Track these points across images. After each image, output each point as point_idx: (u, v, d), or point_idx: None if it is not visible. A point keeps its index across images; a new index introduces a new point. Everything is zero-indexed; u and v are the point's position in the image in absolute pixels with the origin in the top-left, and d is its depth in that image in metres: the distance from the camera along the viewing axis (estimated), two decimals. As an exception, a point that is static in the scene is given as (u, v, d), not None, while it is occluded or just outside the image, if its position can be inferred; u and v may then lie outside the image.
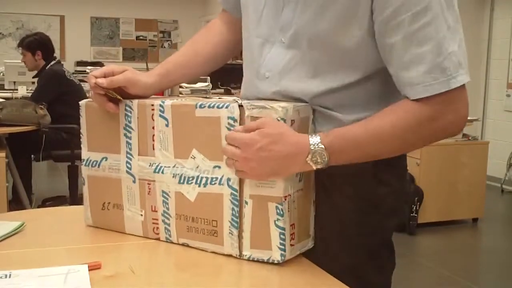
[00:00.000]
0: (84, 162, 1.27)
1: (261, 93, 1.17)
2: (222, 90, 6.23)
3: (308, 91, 1.11)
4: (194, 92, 5.14)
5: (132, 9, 10.66)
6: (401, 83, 1.03)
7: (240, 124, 1.04)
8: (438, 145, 4.45)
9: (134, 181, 1.19)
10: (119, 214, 1.23)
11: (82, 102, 1.27)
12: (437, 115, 1.01)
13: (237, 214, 1.06)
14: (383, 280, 1.24)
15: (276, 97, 1.14)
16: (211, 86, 5.41)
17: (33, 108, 3.87)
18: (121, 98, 1.19)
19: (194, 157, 1.10)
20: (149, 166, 1.16)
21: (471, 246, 4.36)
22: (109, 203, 1.25)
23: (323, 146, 1.00)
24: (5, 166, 3.57)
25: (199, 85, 5.21)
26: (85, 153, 1.27)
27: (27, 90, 5.83)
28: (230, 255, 1.08)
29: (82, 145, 1.27)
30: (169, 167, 1.14)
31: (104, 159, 1.23)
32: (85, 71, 7.51)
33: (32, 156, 4.44)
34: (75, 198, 4.42)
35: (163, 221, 1.16)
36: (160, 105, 1.13)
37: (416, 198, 4.29)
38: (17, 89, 6.02)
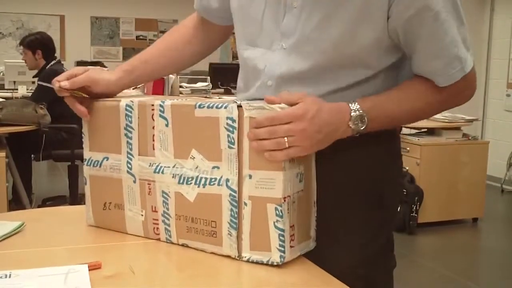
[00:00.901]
0: (86, 162, 1.27)
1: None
2: (222, 90, 6.23)
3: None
4: (194, 92, 5.13)
5: (132, 9, 10.66)
6: (426, 72, 1.12)
7: (239, 125, 1.03)
8: (438, 145, 4.46)
9: (134, 181, 1.19)
10: (120, 214, 1.23)
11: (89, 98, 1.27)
12: (457, 93, 1.13)
13: (236, 215, 1.06)
14: (387, 279, 1.25)
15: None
16: (211, 86, 5.41)
17: (33, 108, 3.86)
18: (87, 96, 1.24)
19: (194, 158, 1.10)
20: (149, 166, 1.16)
21: (471, 246, 4.37)
22: (110, 203, 1.25)
23: (362, 111, 1.06)
24: (5, 166, 3.57)
25: (199, 85, 5.22)
26: (86, 153, 1.27)
27: (27, 90, 5.83)
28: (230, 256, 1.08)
29: (83, 145, 1.28)
30: (169, 167, 1.14)
31: (106, 159, 1.23)
32: (85, 70, 7.50)
33: (32, 156, 4.44)
34: (75, 198, 4.43)
35: (163, 221, 1.16)
36: (160, 105, 1.13)
37: (416, 198, 4.29)
38: (17, 89, 6.02)
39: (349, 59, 1.10)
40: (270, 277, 1.01)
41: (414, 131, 4.72)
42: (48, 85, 1.23)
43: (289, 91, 1.09)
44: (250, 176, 1.04)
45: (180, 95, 4.85)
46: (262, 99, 1.06)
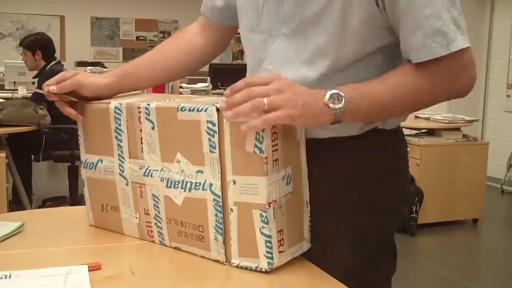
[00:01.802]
0: (83, 164, 1.27)
1: None
2: (222, 90, 6.23)
3: (308, 78, 1.11)
4: (194, 92, 5.14)
5: (132, 9, 10.66)
6: (408, 49, 1.07)
7: (219, 129, 1.00)
8: (438, 145, 4.46)
9: (127, 184, 1.19)
10: (117, 216, 1.23)
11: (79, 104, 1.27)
12: (449, 76, 1.06)
13: (221, 220, 1.04)
14: (383, 285, 1.23)
15: None
16: (211, 86, 5.41)
17: (33, 109, 3.86)
18: (76, 100, 1.24)
19: (179, 161, 1.08)
20: (139, 169, 1.15)
21: (471, 246, 4.36)
22: (107, 205, 1.24)
23: (338, 90, 1.02)
24: (5, 166, 3.57)
25: (199, 85, 5.22)
26: (83, 155, 1.27)
27: (27, 90, 5.83)
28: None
29: (80, 147, 1.28)
30: (157, 170, 1.12)
31: (100, 161, 1.23)
32: (85, 71, 7.50)
33: (32, 156, 4.43)
34: (75, 199, 4.42)
35: (155, 224, 1.16)
36: (146, 108, 1.11)
37: (416, 199, 4.29)
38: (17, 90, 6.02)
39: (347, 38, 1.09)
40: (269, 277, 1.01)
41: (414, 132, 4.72)
42: (39, 91, 1.24)
43: (286, 74, 1.06)
44: (234, 182, 1.01)
45: (180, 95, 4.85)
46: None
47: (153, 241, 1.18)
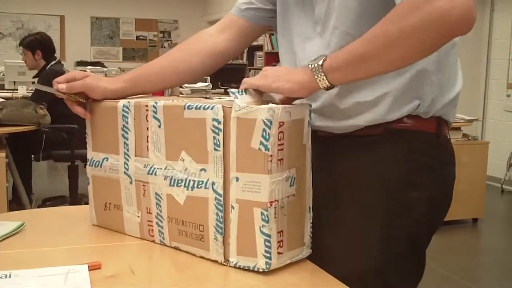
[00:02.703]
0: (89, 162, 1.28)
1: None
2: (222, 90, 6.23)
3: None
4: (194, 92, 5.13)
5: (132, 9, 10.66)
6: None
7: (225, 126, 1.02)
8: (438, 145, 4.45)
9: (131, 182, 1.19)
10: (119, 215, 1.23)
11: (87, 103, 1.28)
12: (425, 3, 0.93)
13: (221, 220, 1.04)
14: None
15: None
16: (211, 86, 5.41)
17: (33, 108, 3.86)
18: (84, 101, 1.26)
19: (183, 160, 1.09)
20: (144, 167, 1.16)
21: (471, 246, 4.36)
22: (110, 203, 1.25)
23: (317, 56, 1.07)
24: (5, 166, 3.56)
25: (199, 85, 5.21)
26: (89, 153, 1.28)
27: (27, 90, 5.83)
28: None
29: (87, 145, 1.28)
30: (161, 169, 1.13)
31: (105, 160, 1.24)
32: (85, 71, 7.48)
33: (32, 156, 4.44)
34: (75, 198, 4.42)
35: (156, 223, 1.16)
36: (153, 106, 1.12)
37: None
38: (17, 89, 6.02)
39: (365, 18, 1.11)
40: (269, 277, 1.01)
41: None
42: (46, 88, 1.24)
43: None
44: (237, 179, 1.01)
45: (180, 95, 4.85)
46: None
47: (154, 241, 1.18)
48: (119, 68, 8.14)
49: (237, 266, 1.04)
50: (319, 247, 1.12)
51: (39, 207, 4.42)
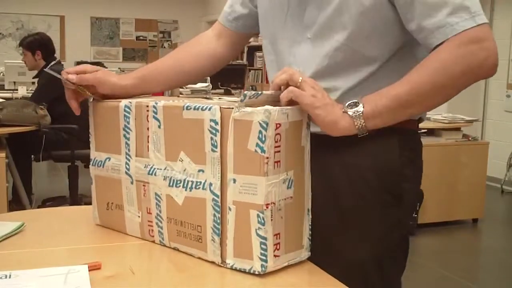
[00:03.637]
0: (92, 162, 1.28)
1: None
2: (222, 91, 6.23)
3: (337, 88, 1.17)
4: (194, 92, 5.14)
5: (132, 9, 10.67)
6: (427, 33, 1.07)
7: (221, 127, 1.01)
8: (438, 145, 4.46)
9: (131, 182, 1.19)
10: (121, 215, 1.23)
11: (90, 102, 1.28)
12: (468, 54, 1.04)
13: (218, 221, 1.03)
14: (395, 279, 1.26)
15: None
16: (211, 86, 5.41)
17: (33, 108, 3.87)
18: (90, 94, 1.27)
19: (182, 160, 1.09)
20: (144, 167, 1.16)
21: (471, 246, 4.37)
22: (112, 203, 1.25)
23: (354, 99, 1.09)
24: (5, 166, 3.57)
25: (199, 85, 5.22)
26: (92, 153, 1.28)
27: (27, 90, 5.84)
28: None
29: (90, 145, 1.29)
30: (161, 169, 1.13)
31: (108, 159, 1.24)
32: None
33: (32, 156, 4.44)
34: (75, 198, 4.42)
35: (156, 224, 1.16)
36: (154, 106, 1.13)
37: (416, 198, 4.29)
38: (17, 89, 6.03)
39: (365, 39, 1.13)
40: (269, 276, 1.01)
41: (414, 132, 4.71)
42: (56, 74, 1.24)
43: (314, 75, 1.16)
44: (234, 180, 1.00)
45: (180, 95, 4.86)
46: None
47: (154, 241, 1.18)
48: (119, 68, 8.16)
49: (234, 268, 1.03)
50: (320, 238, 1.14)
51: (39, 207, 4.42)
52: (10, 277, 0.96)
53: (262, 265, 0.99)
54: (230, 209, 1.02)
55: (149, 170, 1.15)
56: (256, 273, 1.00)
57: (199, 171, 1.06)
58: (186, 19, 10.71)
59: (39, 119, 3.86)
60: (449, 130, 4.53)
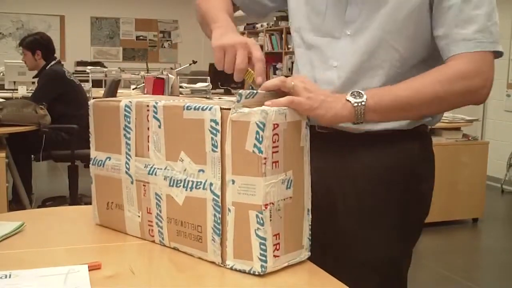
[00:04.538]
0: (92, 162, 1.28)
1: (328, 81, 1.24)
2: (222, 90, 6.23)
3: (369, 86, 1.19)
4: (194, 92, 5.13)
5: (132, 9, 10.66)
6: (451, 41, 1.15)
7: (222, 127, 1.01)
8: (438, 145, 4.46)
9: (132, 182, 1.19)
10: (121, 215, 1.23)
11: (90, 102, 1.28)
12: (473, 74, 1.13)
13: (219, 221, 1.03)
14: (406, 277, 1.30)
15: (345, 85, 1.21)
16: (211, 86, 5.40)
17: (33, 108, 3.86)
18: (251, 84, 1.17)
19: (182, 160, 1.09)
20: (144, 167, 1.16)
21: (471, 246, 4.36)
22: (112, 202, 1.25)
23: (359, 90, 1.10)
24: (5, 166, 3.57)
25: (199, 85, 5.21)
26: (92, 152, 1.28)
27: (27, 90, 5.83)
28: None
29: (90, 144, 1.29)
30: (161, 169, 1.13)
31: (108, 159, 1.24)
32: (85, 71, 7.51)
33: (32, 156, 4.43)
34: (75, 198, 4.42)
35: (156, 223, 1.16)
36: (154, 106, 1.13)
37: (416, 198, 4.29)
38: (17, 89, 6.02)
39: (403, 40, 1.18)
40: (269, 276, 1.01)
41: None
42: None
43: (353, 75, 1.21)
44: (233, 181, 1.01)
45: (180, 95, 4.85)
46: (327, 78, 1.22)
47: (154, 241, 1.18)
48: (119, 68, 8.16)
49: (234, 269, 1.03)
50: (337, 235, 1.19)
51: (39, 207, 4.42)
52: (10, 277, 0.96)
53: (262, 266, 0.99)
54: (229, 210, 1.02)
55: (149, 170, 1.15)
56: (256, 273, 1.00)
57: (199, 171, 1.06)
58: (186, 19, 10.70)
59: (39, 119, 3.85)
60: (449, 129, 4.52)
